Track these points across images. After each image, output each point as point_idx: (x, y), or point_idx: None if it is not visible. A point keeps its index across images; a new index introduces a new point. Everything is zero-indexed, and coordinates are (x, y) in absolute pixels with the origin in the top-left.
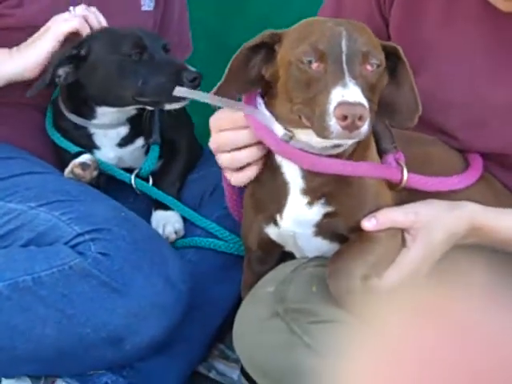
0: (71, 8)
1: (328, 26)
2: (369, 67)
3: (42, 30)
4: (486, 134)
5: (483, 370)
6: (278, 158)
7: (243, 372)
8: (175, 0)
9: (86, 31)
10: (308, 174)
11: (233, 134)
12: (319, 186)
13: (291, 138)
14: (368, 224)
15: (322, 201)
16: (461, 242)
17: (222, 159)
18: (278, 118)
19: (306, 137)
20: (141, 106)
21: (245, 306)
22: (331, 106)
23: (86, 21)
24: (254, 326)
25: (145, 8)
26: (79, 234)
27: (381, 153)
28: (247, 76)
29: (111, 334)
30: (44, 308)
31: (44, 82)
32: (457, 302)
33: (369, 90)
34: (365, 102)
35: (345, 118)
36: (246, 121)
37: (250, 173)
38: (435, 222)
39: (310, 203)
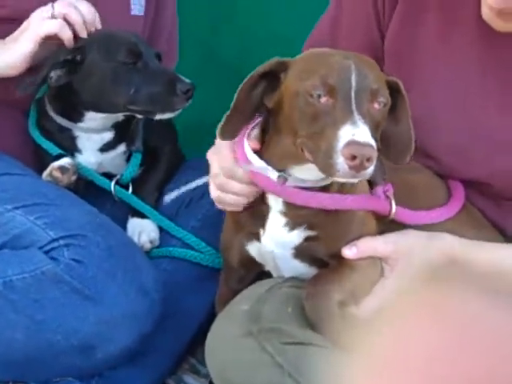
0: (50, 5)
1: (337, 59)
2: (376, 105)
3: (22, 27)
4: (471, 162)
5: (483, 369)
6: None
7: None
8: (167, 7)
9: (66, 33)
10: (291, 205)
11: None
12: (302, 215)
13: (286, 179)
14: (349, 252)
15: (304, 226)
16: (441, 275)
17: (216, 182)
18: (271, 155)
19: (301, 173)
20: (131, 114)
21: (219, 322)
22: (340, 144)
23: (68, 20)
24: (227, 343)
25: (134, 12)
26: (53, 240)
27: (370, 183)
28: (250, 105)
29: (82, 342)
30: (14, 313)
31: (34, 83)
32: (455, 300)
33: (375, 128)
34: (373, 142)
35: (353, 158)
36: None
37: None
38: (413, 253)
39: (291, 228)
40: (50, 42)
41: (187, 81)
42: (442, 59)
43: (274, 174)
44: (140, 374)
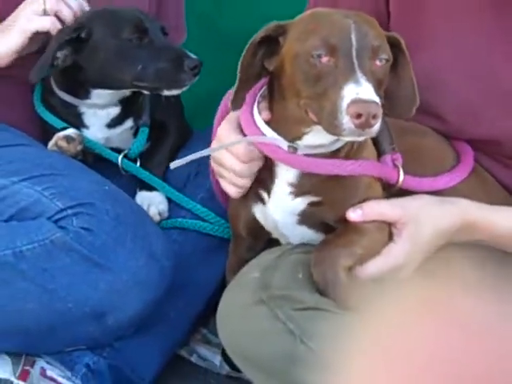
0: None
1: (337, 18)
2: (378, 62)
3: (10, 19)
4: (479, 120)
5: (484, 364)
6: None
7: (224, 356)
8: None
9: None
10: (302, 173)
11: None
12: (309, 184)
13: (295, 148)
14: (353, 214)
15: (309, 193)
16: (454, 238)
17: (236, 152)
18: (281, 122)
19: (311, 138)
20: (138, 90)
21: (229, 291)
22: (344, 103)
23: (59, 16)
24: (238, 311)
25: None
26: (62, 210)
27: (379, 152)
28: (253, 71)
29: (93, 309)
30: (25, 283)
31: (44, 67)
32: (454, 295)
33: (377, 85)
34: (378, 99)
35: (359, 115)
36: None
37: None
38: (423, 217)
39: (294, 195)
40: (39, 36)
41: (194, 57)
42: (450, 19)
43: (284, 144)
44: (151, 344)
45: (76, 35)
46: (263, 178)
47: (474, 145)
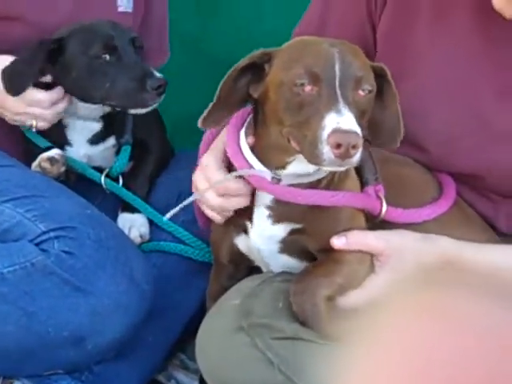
0: None
1: (321, 47)
2: (361, 93)
3: None
4: (462, 153)
5: (483, 367)
6: None
7: (202, 383)
8: (157, 3)
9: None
10: (279, 201)
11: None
12: (288, 210)
13: (279, 180)
14: (337, 242)
15: (289, 220)
16: (435, 277)
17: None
18: (265, 150)
19: (294, 167)
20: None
21: (210, 318)
22: (325, 133)
23: None
24: (218, 338)
25: (121, 9)
26: (44, 232)
27: (362, 182)
28: (235, 97)
29: (73, 333)
30: (5, 305)
31: (27, 82)
32: (455, 299)
33: (360, 115)
34: (358, 130)
35: (338, 146)
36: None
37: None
38: (406, 253)
39: (275, 221)
40: None
41: (159, 76)
42: (435, 48)
43: (268, 176)
44: (130, 369)
45: (53, 47)
46: (245, 207)
47: (456, 177)
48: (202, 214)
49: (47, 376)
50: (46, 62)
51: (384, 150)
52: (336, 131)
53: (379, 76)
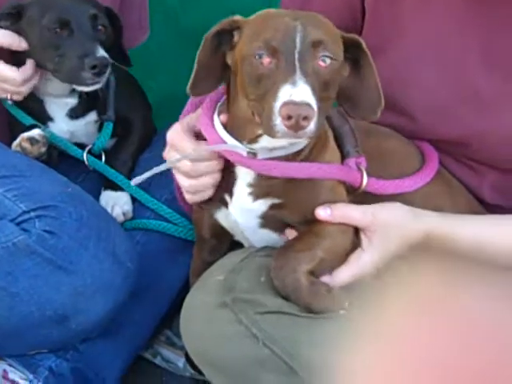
0: None
1: (284, 20)
2: (322, 63)
3: None
4: (449, 120)
5: (482, 362)
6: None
7: (188, 359)
8: None
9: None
10: (260, 176)
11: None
12: (268, 185)
13: (255, 154)
14: (322, 213)
15: (269, 195)
16: (419, 250)
17: (182, 170)
18: (236, 123)
19: (266, 140)
20: None
21: (193, 294)
22: (277, 105)
23: None
24: (202, 314)
25: None
26: (24, 212)
27: (343, 155)
28: (216, 65)
29: (56, 313)
30: None
31: None
32: (455, 292)
33: (322, 86)
34: (312, 101)
35: (289, 117)
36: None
37: (207, 194)
38: (392, 227)
39: (255, 197)
40: None
41: (98, 56)
42: (422, 17)
43: (243, 151)
44: (115, 347)
45: (14, 11)
46: (225, 181)
47: (440, 146)
48: (182, 195)
49: (32, 355)
50: (7, 22)
51: (367, 121)
52: (287, 103)
53: (354, 47)
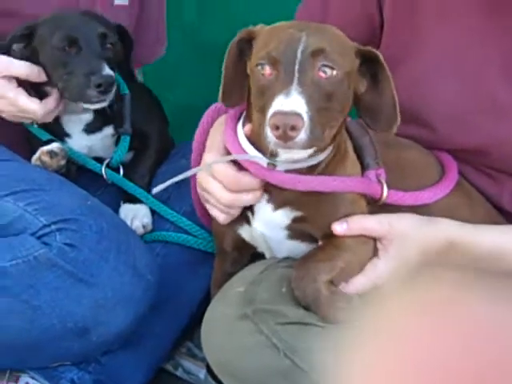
0: None
1: (288, 32)
2: (322, 74)
3: None
4: (468, 129)
5: (481, 365)
6: None
7: (209, 370)
8: None
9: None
10: (277, 188)
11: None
12: (284, 195)
13: (275, 166)
14: (339, 228)
15: (288, 207)
16: (438, 260)
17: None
18: (256, 138)
19: (286, 153)
20: None
21: (214, 306)
22: (269, 115)
23: None
24: (223, 325)
25: (118, 2)
26: (45, 225)
27: (363, 167)
28: (242, 77)
29: (77, 325)
30: (9, 299)
31: None
32: (458, 293)
33: (324, 97)
34: (303, 111)
35: (277, 127)
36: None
37: (236, 212)
38: (409, 237)
39: (275, 208)
40: None
41: (105, 74)
42: (441, 25)
43: (263, 162)
44: (137, 359)
45: (27, 32)
46: None
47: (459, 155)
48: (201, 210)
49: (54, 368)
50: (21, 44)
51: (384, 134)
52: (276, 113)
53: (373, 61)
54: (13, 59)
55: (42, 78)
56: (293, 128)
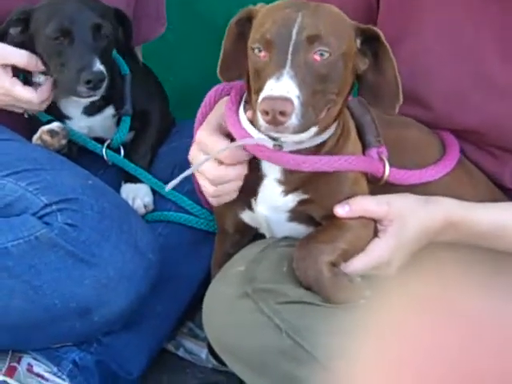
0: None
1: (284, 12)
2: (317, 57)
3: None
4: (466, 109)
5: (483, 361)
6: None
7: (211, 350)
8: None
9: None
10: (288, 170)
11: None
12: (297, 179)
13: (281, 146)
14: (341, 210)
15: (298, 191)
16: (438, 238)
17: (206, 176)
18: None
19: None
20: None
21: (215, 285)
22: (259, 100)
23: None
24: (224, 305)
25: None
26: (46, 205)
27: (364, 145)
28: (242, 56)
29: (79, 305)
30: (11, 279)
31: None
32: (454, 291)
33: (318, 80)
34: (294, 95)
35: (266, 113)
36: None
37: (230, 197)
38: (409, 216)
39: (285, 192)
40: None
41: (95, 69)
42: (438, 5)
43: (269, 143)
44: (138, 339)
45: (23, 17)
46: (249, 183)
47: (461, 135)
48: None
49: (56, 349)
50: (18, 29)
51: (386, 115)
52: (265, 98)
53: (374, 39)
54: (12, 48)
55: (40, 67)
56: (282, 113)
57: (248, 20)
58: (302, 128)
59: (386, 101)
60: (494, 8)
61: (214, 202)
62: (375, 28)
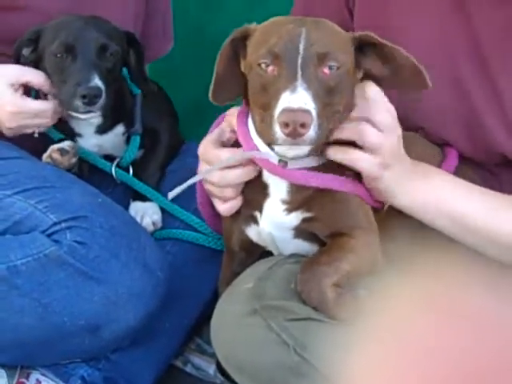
0: None
1: (289, 27)
2: (326, 70)
3: None
4: (449, 126)
5: (485, 359)
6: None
7: (219, 367)
8: None
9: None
10: (294, 187)
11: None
12: (302, 197)
13: (286, 162)
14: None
15: (302, 209)
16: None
17: (211, 180)
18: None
19: (280, 149)
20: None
21: (223, 302)
22: (277, 112)
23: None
24: (232, 321)
25: None
26: (55, 223)
27: None
28: (235, 76)
29: (88, 322)
30: (20, 297)
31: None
32: (458, 290)
33: (327, 93)
34: (311, 107)
35: (287, 125)
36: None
37: (237, 203)
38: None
39: (289, 211)
40: None
41: (92, 85)
42: (412, 13)
43: (274, 159)
44: (146, 356)
45: (34, 37)
46: (254, 198)
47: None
48: (208, 214)
49: (64, 365)
50: (29, 48)
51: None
52: (285, 110)
53: (371, 44)
54: (29, 68)
55: (49, 88)
56: (302, 125)
57: (241, 40)
58: (318, 140)
59: (412, 81)
60: (462, 16)
61: (222, 209)
62: (370, 34)
